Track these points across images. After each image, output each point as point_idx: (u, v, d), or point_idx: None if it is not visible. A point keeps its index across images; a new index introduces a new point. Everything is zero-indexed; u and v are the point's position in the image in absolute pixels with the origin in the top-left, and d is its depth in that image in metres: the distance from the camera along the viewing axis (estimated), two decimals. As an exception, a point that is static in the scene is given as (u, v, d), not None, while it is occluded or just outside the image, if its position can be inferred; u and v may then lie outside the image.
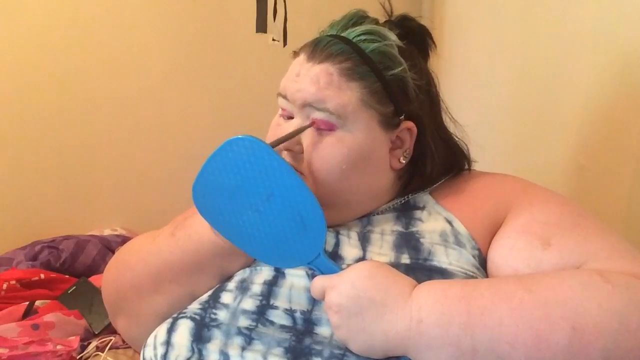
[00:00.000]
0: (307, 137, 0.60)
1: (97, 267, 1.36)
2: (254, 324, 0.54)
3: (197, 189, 0.53)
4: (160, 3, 1.56)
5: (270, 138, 0.63)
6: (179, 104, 1.61)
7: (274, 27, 1.23)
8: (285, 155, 0.61)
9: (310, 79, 0.60)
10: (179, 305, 0.62)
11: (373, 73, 0.60)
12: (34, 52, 1.48)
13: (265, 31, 1.23)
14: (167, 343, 0.55)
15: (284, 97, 0.62)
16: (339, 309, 0.49)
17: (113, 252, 1.44)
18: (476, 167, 0.72)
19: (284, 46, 1.25)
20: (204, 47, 1.62)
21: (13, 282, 1.14)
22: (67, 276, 1.26)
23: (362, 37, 0.62)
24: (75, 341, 0.93)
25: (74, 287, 1.18)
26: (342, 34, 0.63)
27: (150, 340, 0.58)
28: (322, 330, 0.53)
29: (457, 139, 0.70)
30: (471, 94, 1.31)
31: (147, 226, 1.70)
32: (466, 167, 0.70)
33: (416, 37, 0.68)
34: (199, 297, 0.62)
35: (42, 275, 1.20)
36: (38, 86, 1.50)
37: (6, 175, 1.50)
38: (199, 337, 0.54)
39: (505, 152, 1.16)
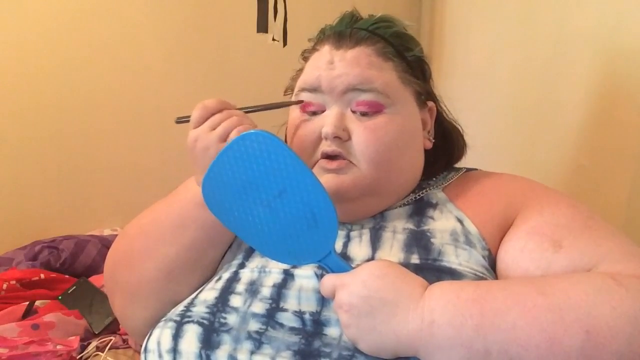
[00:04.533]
0: (353, 123, 0.60)
1: (97, 267, 1.36)
2: (263, 327, 0.53)
3: (207, 183, 0.53)
4: (161, 3, 1.56)
5: (298, 137, 0.63)
6: (179, 104, 1.60)
7: (274, 27, 1.23)
8: (332, 143, 0.60)
9: (349, 63, 0.61)
10: (166, 276, 0.62)
11: (398, 54, 0.63)
12: (34, 52, 1.48)
13: (266, 31, 1.23)
14: (174, 350, 0.53)
15: (315, 89, 0.62)
16: (349, 308, 0.49)
17: (113, 252, 1.44)
18: (476, 167, 0.72)
19: (284, 46, 1.25)
20: (204, 47, 1.62)
21: (13, 282, 1.13)
22: (67, 276, 1.26)
23: (377, 25, 0.64)
24: (75, 341, 0.92)
25: (74, 287, 1.18)
26: (355, 27, 0.64)
27: (152, 345, 0.55)
28: (331, 331, 0.52)
29: (458, 126, 0.74)
30: (471, 94, 1.31)
31: (147, 226, 1.67)
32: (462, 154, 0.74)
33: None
34: (185, 265, 0.61)
35: (42, 275, 1.20)
36: (38, 86, 1.50)
37: (6, 175, 1.50)
38: (208, 343, 0.52)
39: (505, 152, 1.16)
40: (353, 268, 0.52)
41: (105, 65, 1.55)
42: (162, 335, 0.55)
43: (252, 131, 0.50)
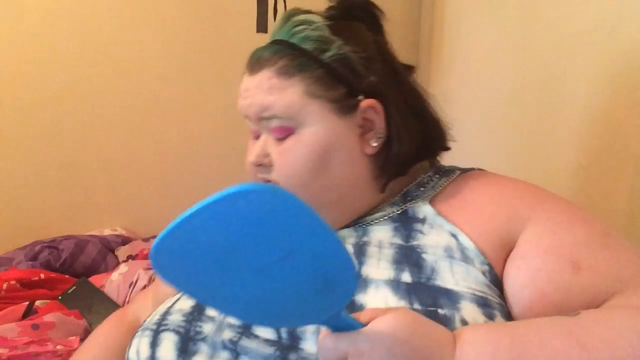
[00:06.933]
0: (271, 147, 0.60)
1: (97, 267, 1.36)
2: (237, 336, 0.52)
3: (166, 246, 0.39)
4: (161, 3, 1.57)
5: (246, 164, 0.63)
6: (179, 104, 1.61)
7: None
8: (259, 171, 0.61)
9: (255, 90, 0.61)
10: None
11: (311, 62, 0.59)
12: (34, 53, 1.48)
13: (266, 31, 1.23)
14: (152, 359, 0.53)
15: (246, 116, 0.63)
16: None
17: (113, 252, 1.44)
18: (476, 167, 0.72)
19: (284, 46, 1.24)
20: (204, 48, 1.62)
21: (13, 282, 1.13)
22: (67, 276, 1.27)
23: (292, 31, 0.61)
24: (75, 341, 0.93)
25: (74, 287, 1.18)
26: (276, 37, 0.63)
27: (132, 355, 0.55)
28: (307, 346, 0.51)
29: (434, 114, 0.66)
30: (471, 94, 1.31)
31: (147, 226, 1.69)
32: (445, 146, 0.67)
33: (361, 12, 0.65)
34: None
35: (42, 275, 1.20)
36: (38, 86, 1.50)
37: (6, 175, 1.50)
38: (185, 351, 0.52)
39: (505, 152, 1.16)
40: (362, 325, 0.43)
41: (105, 67, 1.55)
42: (140, 344, 0.55)
43: (253, 187, 0.36)
